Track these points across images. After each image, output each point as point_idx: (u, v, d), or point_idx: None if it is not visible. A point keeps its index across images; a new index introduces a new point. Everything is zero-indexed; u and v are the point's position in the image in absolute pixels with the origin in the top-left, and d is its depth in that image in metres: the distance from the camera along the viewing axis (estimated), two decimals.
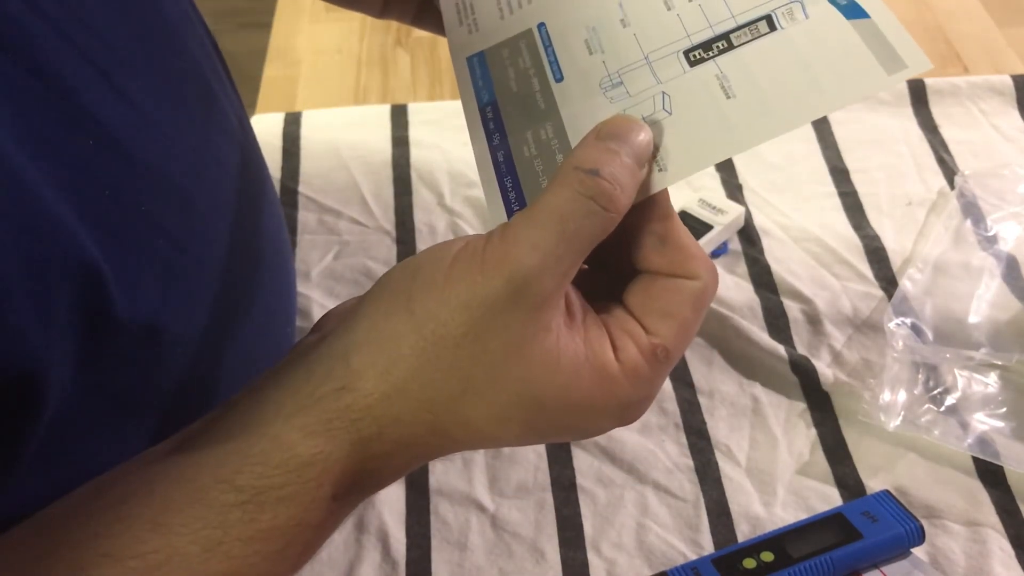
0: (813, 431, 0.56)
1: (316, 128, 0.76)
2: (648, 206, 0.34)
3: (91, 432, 0.35)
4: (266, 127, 0.77)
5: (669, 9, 0.36)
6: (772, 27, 0.34)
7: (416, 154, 0.74)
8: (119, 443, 0.37)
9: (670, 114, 0.35)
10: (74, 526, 0.31)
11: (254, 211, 0.49)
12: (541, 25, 0.39)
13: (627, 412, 0.34)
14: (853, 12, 0.33)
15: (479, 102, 0.39)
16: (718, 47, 0.35)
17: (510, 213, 0.36)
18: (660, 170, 0.34)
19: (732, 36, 0.35)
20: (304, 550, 0.33)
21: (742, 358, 0.59)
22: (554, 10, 0.39)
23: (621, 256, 0.34)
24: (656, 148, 0.34)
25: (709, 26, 0.35)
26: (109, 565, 0.29)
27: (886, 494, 0.49)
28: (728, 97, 0.34)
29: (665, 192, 0.34)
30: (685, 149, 0.34)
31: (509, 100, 0.38)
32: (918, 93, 0.76)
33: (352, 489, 0.33)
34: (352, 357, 0.32)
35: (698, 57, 0.35)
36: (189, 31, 0.44)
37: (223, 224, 0.43)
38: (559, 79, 0.37)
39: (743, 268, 0.65)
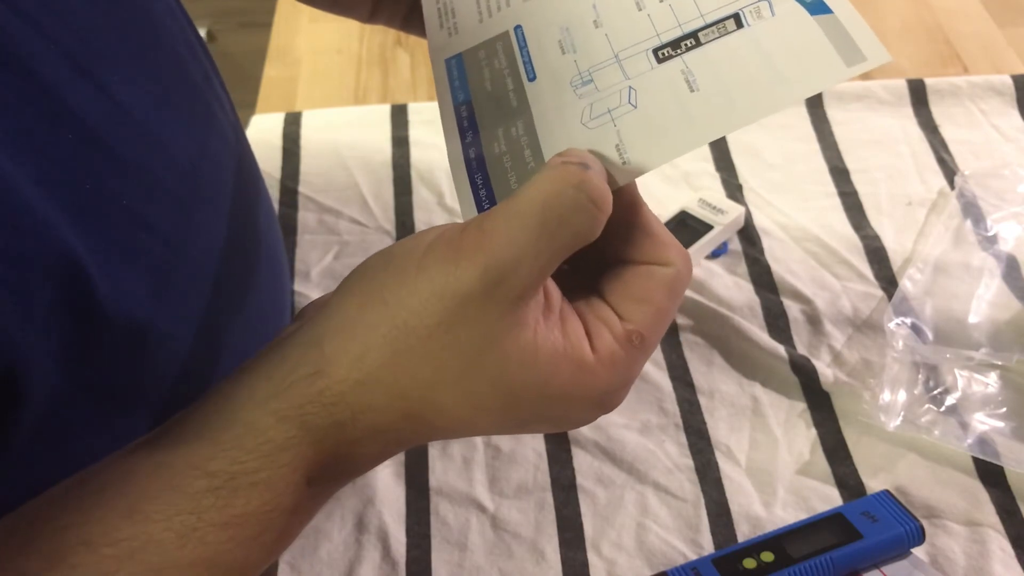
0: (813, 431, 0.56)
1: (316, 128, 0.76)
2: (617, 196, 0.34)
3: (82, 428, 0.35)
4: (266, 127, 0.77)
5: (640, 9, 0.37)
6: (739, 24, 0.35)
7: (416, 154, 0.74)
8: (112, 439, 0.37)
9: (635, 107, 0.35)
10: (53, 516, 0.31)
11: (245, 207, 0.48)
12: (518, 27, 0.39)
13: (606, 400, 0.34)
14: (817, 8, 0.34)
15: (454, 101, 0.39)
16: (686, 45, 0.35)
17: (480, 208, 0.36)
18: (624, 163, 0.34)
19: (700, 34, 0.35)
20: (280, 536, 0.33)
21: (742, 358, 0.59)
22: (531, 13, 0.39)
23: (594, 246, 0.34)
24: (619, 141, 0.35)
25: (678, 25, 0.36)
26: (85, 553, 0.29)
27: (886, 494, 0.49)
28: (692, 91, 0.34)
29: (632, 183, 0.34)
30: (648, 142, 0.34)
31: (483, 99, 0.39)
32: (918, 93, 0.76)
33: (327, 475, 0.33)
34: (326, 344, 0.32)
35: (666, 55, 0.35)
36: (174, 29, 0.44)
37: (212, 220, 0.43)
38: (532, 79, 0.38)
39: (743, 268, 0.65)
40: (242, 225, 0.47)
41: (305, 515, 0.34)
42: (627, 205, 0.34)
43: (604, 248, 0.34)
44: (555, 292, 0.34)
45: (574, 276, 0.35)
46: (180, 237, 0.40)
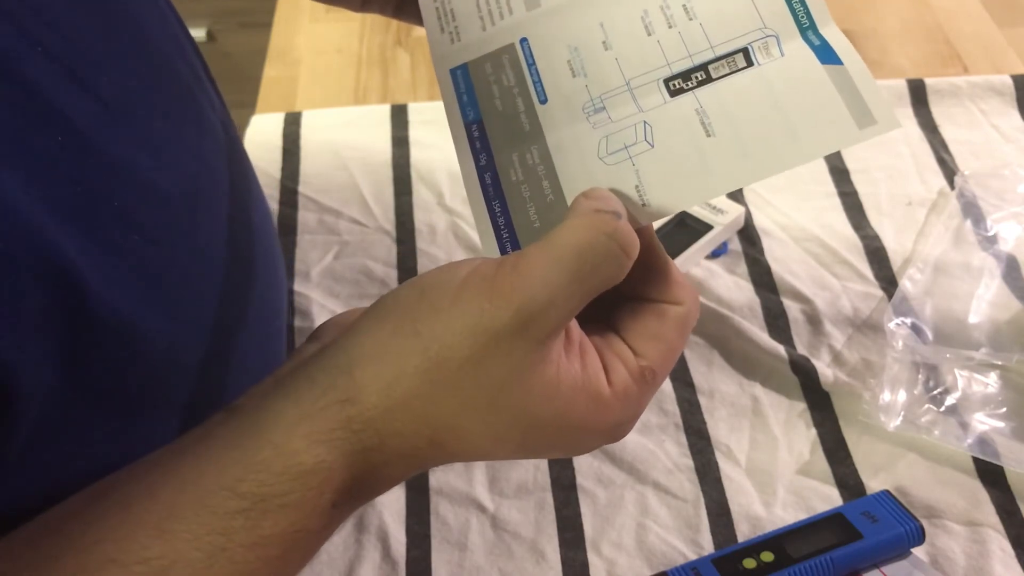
0: (813, 431, 0.56)
1: (316, 128, 0.76)
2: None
3: (80, 430, 0.35)
4: (266, 127, 0.77)
5: (650, 35, 0.37)
6: (748, 61, 0.35)
7: (416, 154, 0.74)
8: (111, 442, 0.37)
9: (652, 146, 0.36)
10: (77, 530, 0.31)
11: (238, 206, 0.48)
12: (524, 41, 0.39)
13: (616, 431, 0.35)
14: (827, 56, 0.35)
15: (464, 118, 0.40)
16: (697, 78, 0.36)
17: (501, 242, 0.37)
18: (644, 205, 0.35)
19: (710, 67, 0.36)
20: (303, 556, 0.34)
21: (742, 358, 0.59)
22: (536, 25, 0.40)
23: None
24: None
25: (688, 55, 0.36)
26: (115, 570, 0.30)
27: (886, 494, 0.49)
28: (708, 135, 0.35)
29: (649, 225, 0.36)
30: (667, 187, 0.35)
31: (494, 119, 0.39)
32: (918, 93, 0.76)
33: (351, 497, 0.34)
34: (356, 371, 0.33)
35: (677, 87, 0.36)
36: (161, 29, 0.44)
37: (204, 220, 0.43)
38: (543, 101, 0.38)
39: (743, 268, 0.65)
40: (236, 224, 0.47)
41: (327, 534, 0.34)
42: (645, 246, 0.35)
43: (620, 286, 0.35)
44: (576, 327, 0.35)
45: (590, 309, 0.36)
46: (173, 238, 0.39)
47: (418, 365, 0.32)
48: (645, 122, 0.36)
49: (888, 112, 0.33)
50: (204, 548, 0.30)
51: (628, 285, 0.35)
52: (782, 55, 0.35)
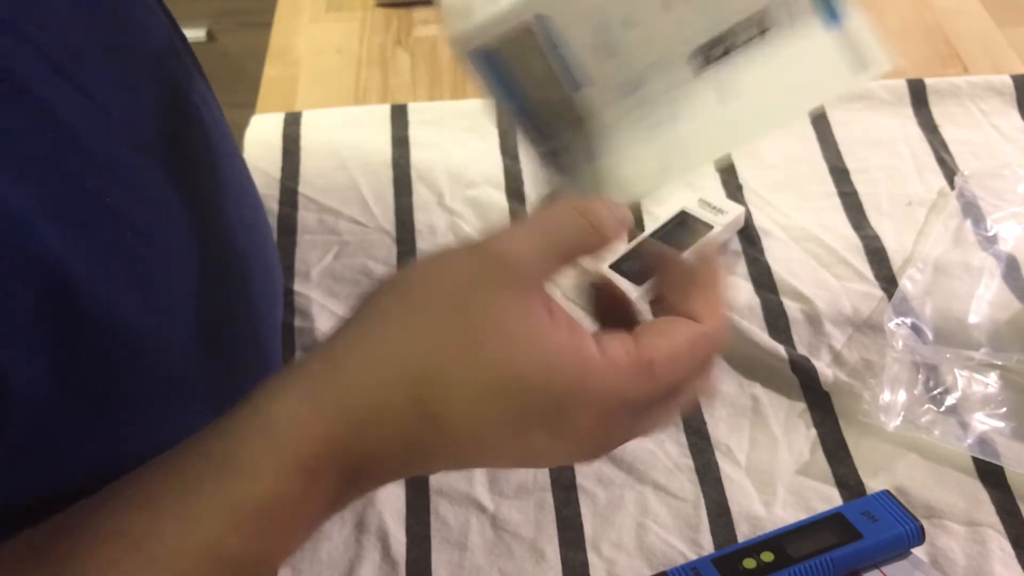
0: (813, 431, 0.56)
1: (316, 128, 0.76)
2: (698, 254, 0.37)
3: (76, 429, 0.35)
4: (266, 127, 0.77)
5: (668, 11, 0.37)
6: (761, 28, 0.37)
7: (416, 154, 0.74)
8: (106, 443, 0.37)
9: (678, 120, 0.37)
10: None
11: (232, 204, 0.48)
12: (540, 17, 0.39)
13: (609, 420, 0.33)
14: (831, 17, 0.37)
15: (509, 108, 0.40)
16: (717, 53, 0.38)
17: None
18: (666, 170, 0.37)
19: (728, 42, 0.37)
20: (283, 532, 0.31)
21: (742, 358, 0.59)
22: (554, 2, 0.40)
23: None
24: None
25: (707, 28, 0.37)
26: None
27: (886, 494, 0.49)
28: (722, 104, 0.37)
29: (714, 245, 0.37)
30: (687, 152, 0.37)
31: (536, 107, 0.39)
32: (918, 93, 0.76)
33: (331, 465, 0.31)
34: (334, 338, 0.33)
35: (700, 63, 0.38)
36: (151, 25, 0.44)
37: (195, 217, 0.43)
38: (579, 86, 0.38)
39: (743, 268, 0.65)
40: (228, 220, 0.47)
41: (310, 511, 0.32)
42: (700, 258, 0.36)
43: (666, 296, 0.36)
44: (564, 316, 0.34)
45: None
46: (166, 236, 0.39)
47: (398, 315, 0.32)
48: (674, 99, 0.38)
49: (878, 54, 0.36)
50: (176, 513, 0.30)
51: (668, 300, 0.36)
52: (791, 18, 0.37)
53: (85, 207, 0.34)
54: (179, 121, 0.44)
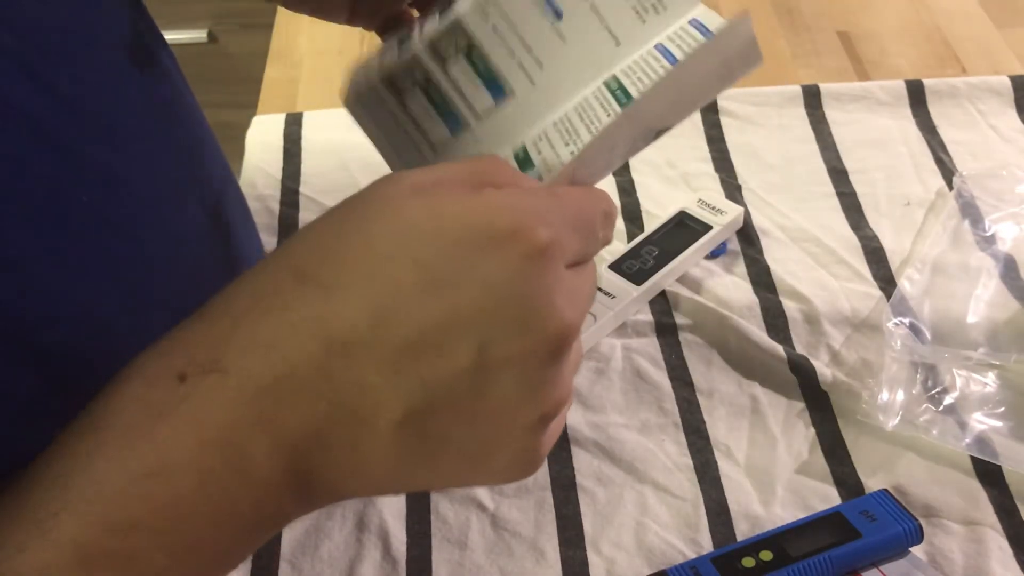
0: (812, 430, 0.56)
1: (317, 129, 0.77)
2: None
3: (57, 430, 0.35)
4: (267, 128, 0.77)
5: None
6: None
7: None
8: None
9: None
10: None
11: (212, 201, 0.48)
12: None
13: (521, 241, 0.29)
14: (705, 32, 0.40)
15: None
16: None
17: None
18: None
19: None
20: (158, 460, 0.28)
21: (741, 358, 0.60)
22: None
23: None
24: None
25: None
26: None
27: (884, 493, 0.50)
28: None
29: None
30: None
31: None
32: (916, 94, 0.77)
33: (210, 367, 0.29)
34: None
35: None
36: (122, 20, 0.43)
37: (174, 214, 0.43)
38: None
39: (742, 268, 0.65)
40: (209, 217, 0.47)
41: (256, 475, 0.29)
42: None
43: None
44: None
45: None
46: (145, 234, 0.39)
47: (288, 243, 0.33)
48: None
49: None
50: (57, 445, 0.29)
51: None
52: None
53: (60, 205, 0.34)
54: (157, 118, 0.44)
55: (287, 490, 0.30)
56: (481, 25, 0.39)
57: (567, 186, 0.34)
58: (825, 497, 0.53)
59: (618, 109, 0.37)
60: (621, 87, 0.38)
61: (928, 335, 0.59)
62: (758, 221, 0.68)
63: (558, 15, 0.38)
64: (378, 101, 0.40)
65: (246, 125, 0.78)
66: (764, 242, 0.66)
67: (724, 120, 0.76)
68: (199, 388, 0.28)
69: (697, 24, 0.38)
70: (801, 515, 0.52)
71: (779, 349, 0.59)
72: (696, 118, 0.76)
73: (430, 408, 0.30)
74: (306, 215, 0.70)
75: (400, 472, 0.31)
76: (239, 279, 0.32)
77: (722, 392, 0.58)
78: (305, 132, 0.76)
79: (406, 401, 0.29)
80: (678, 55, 0.37)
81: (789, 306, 0.62)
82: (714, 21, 0.38)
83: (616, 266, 0.63)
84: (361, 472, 0.31)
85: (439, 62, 0.39)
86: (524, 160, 0.39)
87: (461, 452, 0.31)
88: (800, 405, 0.57)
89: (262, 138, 0.76)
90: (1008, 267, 0.64)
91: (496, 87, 0.39)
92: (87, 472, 0.28)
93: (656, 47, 0.38)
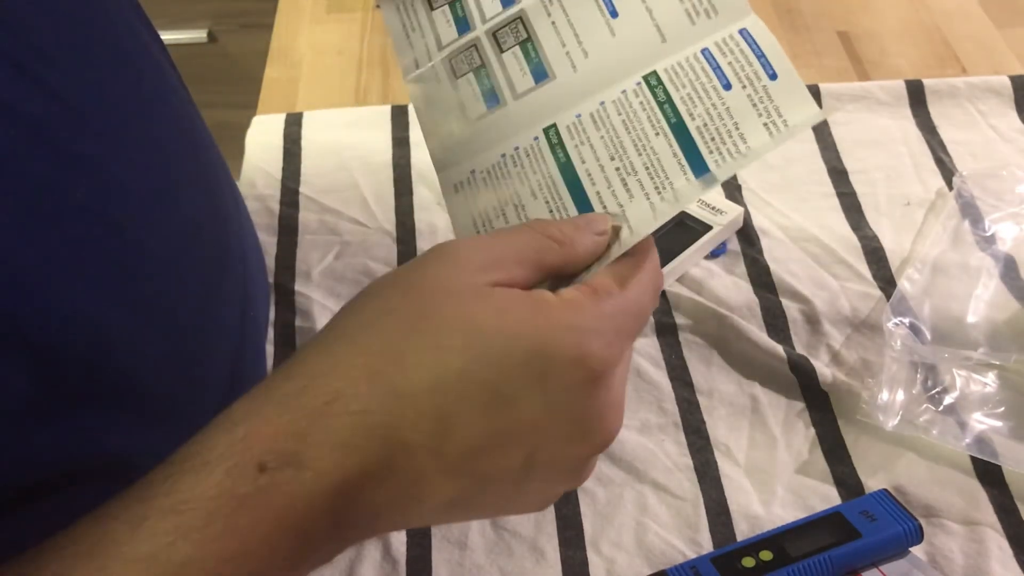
0: (812, 430, 0.56)
1: (317, 129, 0.77)
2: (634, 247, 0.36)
3: (56, 430, 0.35)
4: (267, 128, 0.77)
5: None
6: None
7: (417, 154, 0.74)
8: (89, 440, 0.36)
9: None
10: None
11: (208, 199, 0.48)
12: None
13: (585, 352, 0.32)
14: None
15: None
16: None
17: None
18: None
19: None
20: (232, 537, 0.29)
21: (741, 358, 0.60)
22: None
23: None
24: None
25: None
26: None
27: (884, 493, 0.50)
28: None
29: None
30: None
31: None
32: (917, 94, 0.77)
33: (291, 461, 0.30)
34: (304, 349, 0.33)
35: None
36: (117, 23, 0.43)
37: (168, 213, 0.43)
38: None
39: (742, 268, 0.65)
40: (204, 216, 0.47)
41: (277, 510, 0.30)
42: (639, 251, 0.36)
43: None
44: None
45: None
46: (138, 231, 0.39)
47: (352, 309, 0.33)
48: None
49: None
50: (127, 519, 0.29)
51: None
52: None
53: (54, 204, 0.34)
54: (151, 117, 0.44)
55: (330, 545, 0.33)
56: (543, 19, 0.40)
57: (633, 275, 0.34)
58: (825, 497, 0.53)
59: (655, 106, 0.38)
60: (661, 84, 0.38)
61: (928, 335, 0.60)
62: (758, 221, 0.68)
63: (614, 15, 0.39)
64: (434, 77, 0.42)
65: (246, 125, 0.78)
66: (764, 242, 0.66)
67: None
68: (276, 479, 0.30)
69: (746, 35, 0.37)
70: (801, 515, 0.52)
71: (779, 349, 0.59)
72: None
73: (480, 492, 0.33)
74: (306, 215, 0.70)
75: (435, 522, 0.36)
76: (308, 356, 0.32)
77: (722, 392, 0.58)
78: (305, 132, 0.76)
79: (457, 490, 0.33)
80: (723, 64, 0.37)
81: (789, 306, 0.62)
82: (763, 34, 0.37)
83: None
84: (400, 527, 0.36)
85: (496, 51, 0.41)
86: (556, 144, 0.39)
87: (496, 508, 0.37)
88: (800, 405, 0.58)
89: (262, 138, 0.76)
90: (1008, 267, 0.64)
91: (541, 73, 0.40)
92: (172, 552, 0.29)
93: (702, 51, 0.38)
